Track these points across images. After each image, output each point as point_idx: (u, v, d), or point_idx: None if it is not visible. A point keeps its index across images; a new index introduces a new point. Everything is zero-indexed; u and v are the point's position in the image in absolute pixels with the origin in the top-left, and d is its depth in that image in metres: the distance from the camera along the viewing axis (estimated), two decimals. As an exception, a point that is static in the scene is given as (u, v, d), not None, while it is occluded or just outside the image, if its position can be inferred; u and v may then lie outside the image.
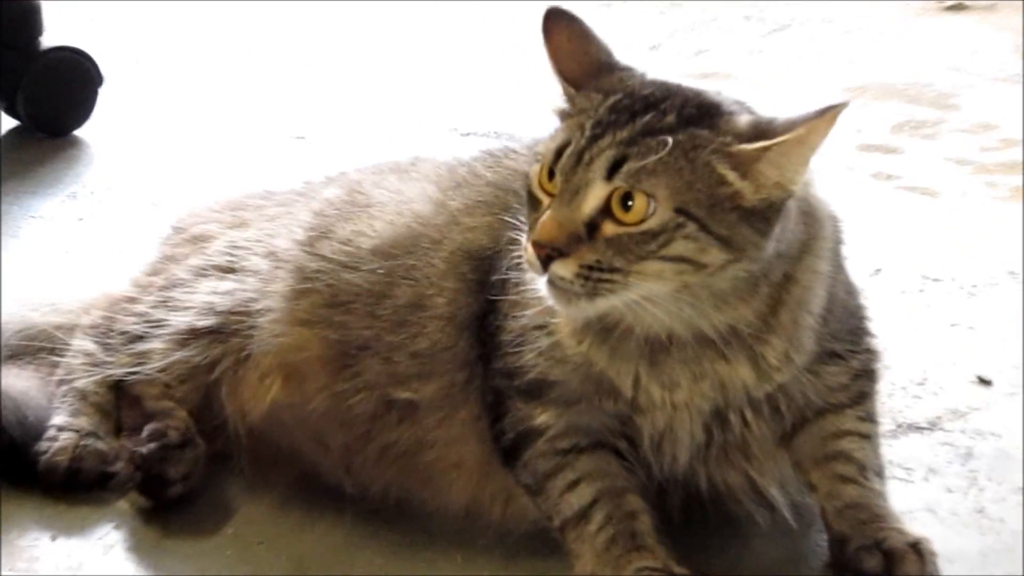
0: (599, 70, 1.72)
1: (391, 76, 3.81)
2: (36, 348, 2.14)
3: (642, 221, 1.60)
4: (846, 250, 1.86)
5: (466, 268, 1.90)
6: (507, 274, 1.80)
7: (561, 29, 1.73)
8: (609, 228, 1.61)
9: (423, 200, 2.00)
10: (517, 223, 1.74)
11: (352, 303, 1.94)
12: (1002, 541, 1.90)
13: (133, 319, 2.09)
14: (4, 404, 1.99)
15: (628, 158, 1.60)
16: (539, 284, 1.66)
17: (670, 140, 1.60)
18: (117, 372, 2.06)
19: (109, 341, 2.10)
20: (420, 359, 1.89)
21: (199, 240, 2.17)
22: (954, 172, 3.15)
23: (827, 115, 1.57)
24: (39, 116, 3.31)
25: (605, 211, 1.61)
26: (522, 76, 3.61)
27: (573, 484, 1.80)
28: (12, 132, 3.34)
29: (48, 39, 3.31)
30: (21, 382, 2.07)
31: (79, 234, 2.87)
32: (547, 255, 1.61)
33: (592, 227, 1.61)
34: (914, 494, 2.00)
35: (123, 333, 2.09)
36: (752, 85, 3.65)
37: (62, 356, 2.11)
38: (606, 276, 1.60)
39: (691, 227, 1.60)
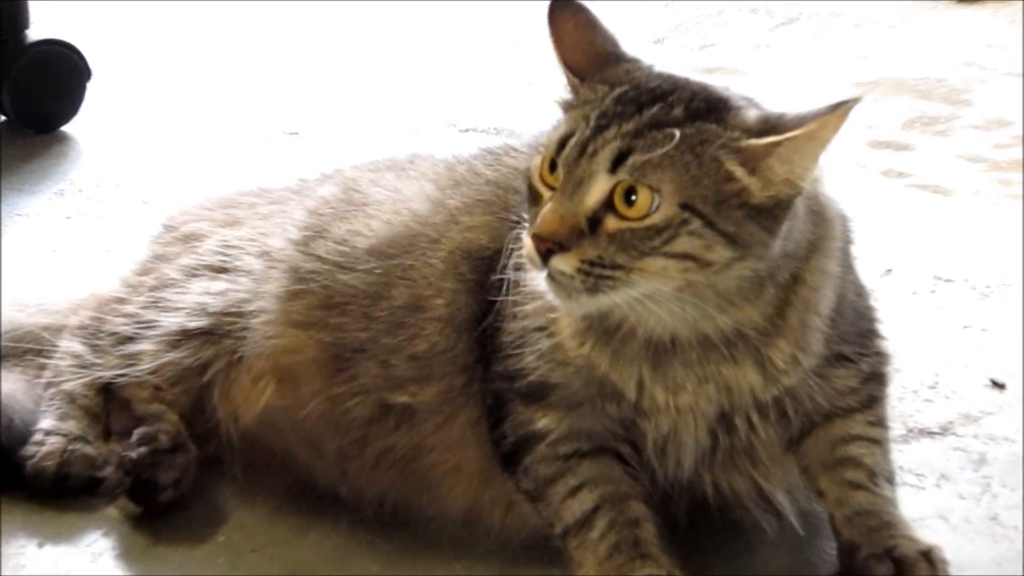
0: (605, 61, 1.72)
1: (388, 70, 3.81)
2: (23, 350, 2.14)
3: (646, 216, 1.60)
4: (856, 250, 1.87)
5: (465, 268, 1.90)
6: (507, 274, 1.80)
7: (567, 18, 1.73)
8: (612, 223, 1.61)
9: (421, 199, 2.00)
10: (517, 222, 1.74)
11: (348, 304, 1.94)
12: (1016, 549, 1.91)
13: (123, 320, 2.09)
14: (-10, 407, 2.00)
15: (633, 151, 1.60)
16: (538, 279, 1.66)
17: (677, 133, 1.60)
18: (106, 374, 2.06)
19: (98, 342, 2.10)
20: (418, 362, 1.89)
21: (190, 239, 2.17)
22: (967, 169, 3.15)
23: (839, 110, 1.57)
24: (25, 111, 3.31)
25: (608, 205, 1.61)
26: (524, 69, 3.61)
27: (575, 490, 1.80)
28: (-2, 127, 3.35)
29: (35, 32, 3.32)
30: (7, 385, 2.07)
31: (67, 233, 2.87)
32: (547, 249, 1.61)
33: (594, 221, 1.61)
34: (925, 501, 2.00)
35: (112, 334, 2.09)
36: (759, 80, 3.65)
37: (49, 358, 2.12)
38: (607, 272, 1.60)
39: (696, 223, 1.60)
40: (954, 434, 2.16)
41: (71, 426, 2.04)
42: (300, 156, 3.18)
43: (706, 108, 1.64)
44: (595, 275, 1.60)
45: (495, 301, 1.82)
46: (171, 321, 2.04)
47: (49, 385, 2.09)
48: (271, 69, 3.83)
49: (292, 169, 2.35)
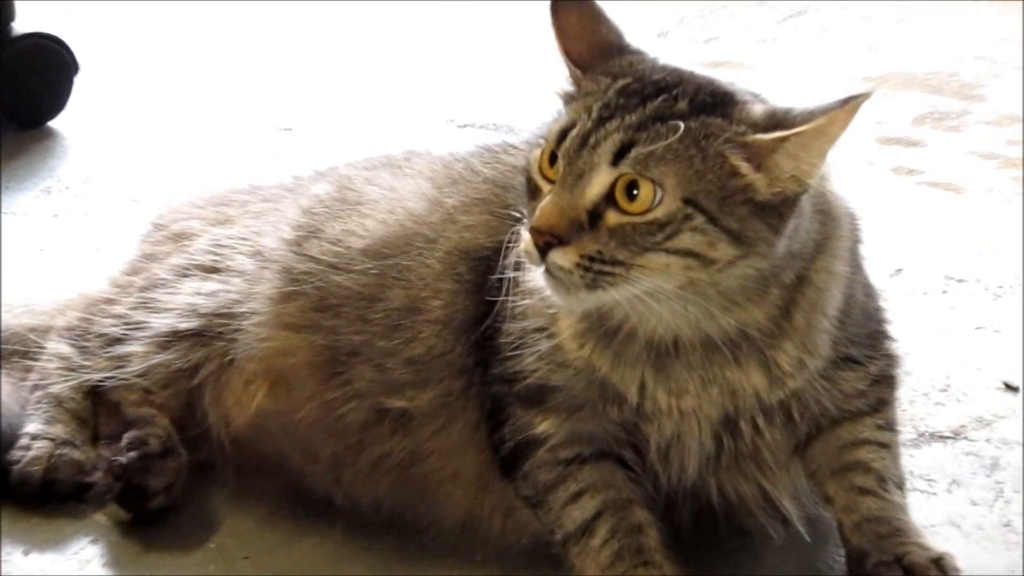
0: (608, 52, 1.72)
1: (383, 64, 3.81)
2: (9, 352, 2.14)
3: (647, 211, 1.60)
4: (865, 249, 1.87)
5: (463, 269, 1.90)
6: (506, 274, 1.80)
7: (570, 8, 1.73)
8: (612, 217, 1.61)
9: (417, 197, 2.00)
10: (517, 221, 1.74)
11: (342, 306, 1.94)
12: (1029, 556, 1.91)
13: (111, 321, 2.09)
14: (-26, 411, 2.00)
15: (636, 143, 1.60)
16: (536, 275, 1.66)
17: (681, 126, 1.60)
18: (94, 377, 2.07)
19: (86, 344, 2.10)
20: (415, 366, 1.89)
21: (181, 238, 2.17)
22: (979, 166, 3.15)
23: (848, 106, 1.57)
24: (11, 106, 3.31)
25: (609, 199, 1.61)
26: (523, 63, 3.62)
27: (576, 496, 1.80)
28: (-17, 123, 3.35)
29: (20, 25, 3.31)
30: (-7, 388, 2.08)
31: (54, 231, 2.87)
32: (546, 243, 1.61)
33: (595, 215, 1.61)
34: (937, 507, 2.00)
35: (101, 336, 2.09)
36: (765, 74, 3.65)
37: (36, 360, 2.12)
38: (607, 268, 1.60)
39: (699, 219, 1.60)
40: (966, 438, 2.17)
41: (58, 430, 2.04)
42: (294, 153, 3.18)
43: (711, 102, 1.65)
44: (594, 271, 1.60)
45: (494, 302, 1.82)
46: (161, 322, 2.04)
47: (36, 388, 2.09)
48: (264, 63, 3.83)
49: (285, 166, 2.36)
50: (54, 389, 2.08)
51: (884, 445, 1.87)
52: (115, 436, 1.99)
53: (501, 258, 1.82)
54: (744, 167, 1.61)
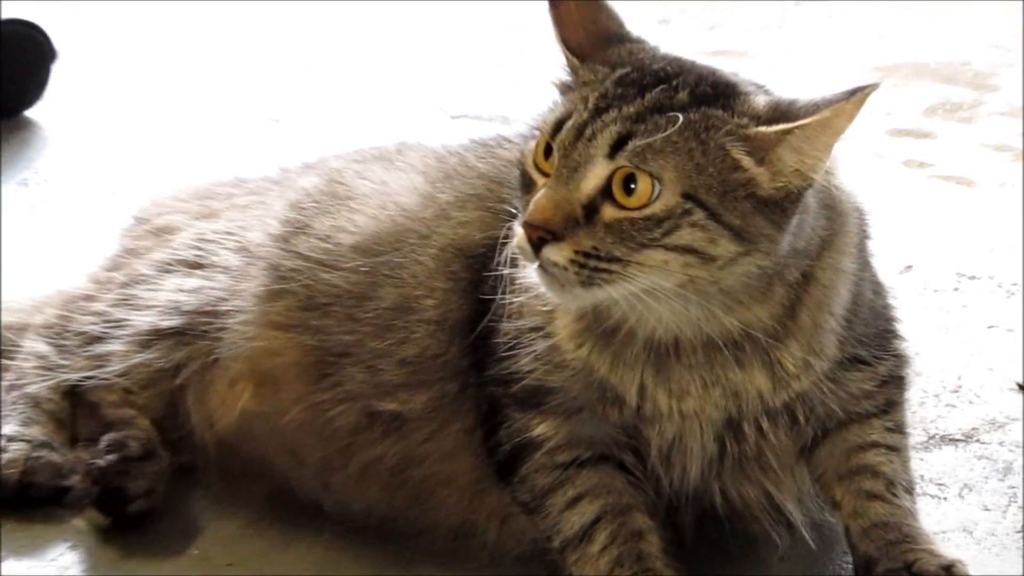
0: (607, 41, 1.72)
1: (373, 52, 3.81)
2: (-17, 350, 2.14)
3: (645, 206, 1.60)
4: (873, 245, 1.87)
5: (457, 266, 1.90)
6: (501, 272, 1.80)
7: None
8: (609, 212, 1.61)
9: (410, 192, 2.00)
10: (512, 216, 1.74)
11: (332, 305, 1.94)
12: (1044, 564, 1.92)
13: (90, 318, 2.09)
14: (-51, 413, 2.00)
15: (634, 135, 1.60)
16: (530, 271, 1.66)
17: (681, 117, 1.60)
18: (73, 376, 2.07)
19: (64, 342, 2.10)
20: (407, 367, 1.89)
21: (163, 232, 2.17)
22: (992, 159, 3.16)
23: (855, 97, 1.57)
24: (-13, 96, 3.31)
25: (606, 192, 1.61)
26: (518, 52, 3.62)
27: (574, 501, 1.81)
28: (-43, 113, 3.34)
29: (-4, 11, 3.32)
30: (-33, 388, 2.08)
31: (31, 225, 2.87)
32: (540, 238, 1.61)
33: (591, 210, 1.61)
34: (948, 512, 2.01)
35: (79, 334, 2.09)
36: (769, 64, 3.66)
37: (12, 359, 2.12)
38: (603, 265, 1.60)
39: (699, 214, 1.60)
40: (978, 441, 2.17)
41: (35, 432, 2.04)
42: (281, 144, 3.18)
43: (713, 93, 1.65)
44: (590, 267, 1.60)
45: (489, 301, 1.82)
46: (142, 320, 2.04)
47: (12, 388, 2.09)
48: (250, 51, 3.83)
49: (273, 158, 2.36)
50: (31, 389, 2.08)
51: (893, 448, 1.87)
52: (94, 438, 1.99)
53: (496, 255, 1.82)
54: (746, 161, 1.61)
